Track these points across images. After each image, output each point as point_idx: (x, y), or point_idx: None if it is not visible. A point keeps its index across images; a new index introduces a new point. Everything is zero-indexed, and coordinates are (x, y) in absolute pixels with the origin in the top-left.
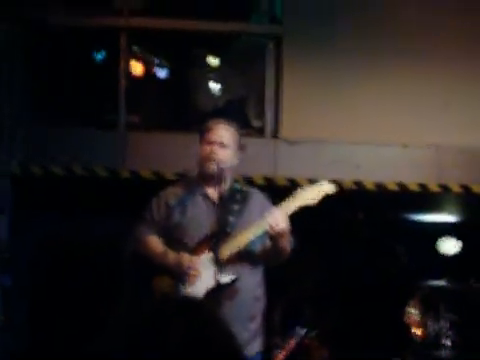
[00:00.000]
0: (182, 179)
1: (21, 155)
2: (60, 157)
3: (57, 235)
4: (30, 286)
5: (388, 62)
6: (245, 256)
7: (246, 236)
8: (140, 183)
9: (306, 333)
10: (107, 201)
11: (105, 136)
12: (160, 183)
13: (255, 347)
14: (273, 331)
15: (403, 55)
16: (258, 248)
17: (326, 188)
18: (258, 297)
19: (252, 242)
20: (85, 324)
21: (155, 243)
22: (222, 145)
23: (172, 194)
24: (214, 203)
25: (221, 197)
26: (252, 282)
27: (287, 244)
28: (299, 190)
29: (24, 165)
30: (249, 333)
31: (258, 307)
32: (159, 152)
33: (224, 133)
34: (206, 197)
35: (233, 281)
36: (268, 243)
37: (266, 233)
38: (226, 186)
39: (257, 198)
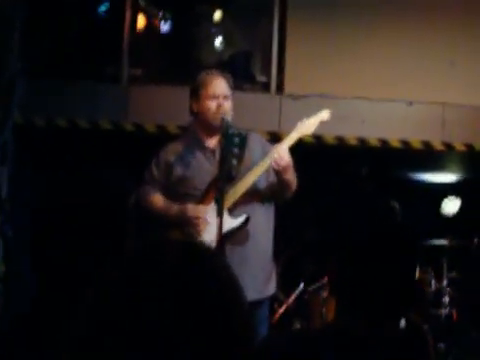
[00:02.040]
0: (179, 135)
1: (23, 107)
2: (63, 110)
3: (59, 187)
4: (32, 238)
5: (395, 17)
6: (254, 195)
7: (251, 177)
8: (143, 136)
9: (306, 288)
10: (110, 154)
11: (108, 89)
12: (163, 136)
13: (271, 289)
14: None
15: (410, 11)
16: (264, 184)
17: (322, 115)
18: (271, 235)
19: (258, 180)
20: (87, 275)
21: (158, 199)
22: (225, 97)
23: (170, 151)
24: (214, 151)
25: (220, 144)
26: (266, 220)
27: (292, 177)
28: (298, 123)
29: (27, 117)
30: (265, 274)
31: (271, 245)
32: (162, 105)
33: (224, 84)
34: (206, 147)
35: (244, 223)
36: (274, 178)
37: (271, 169)
38: (220, 133)
39: (254, 138)
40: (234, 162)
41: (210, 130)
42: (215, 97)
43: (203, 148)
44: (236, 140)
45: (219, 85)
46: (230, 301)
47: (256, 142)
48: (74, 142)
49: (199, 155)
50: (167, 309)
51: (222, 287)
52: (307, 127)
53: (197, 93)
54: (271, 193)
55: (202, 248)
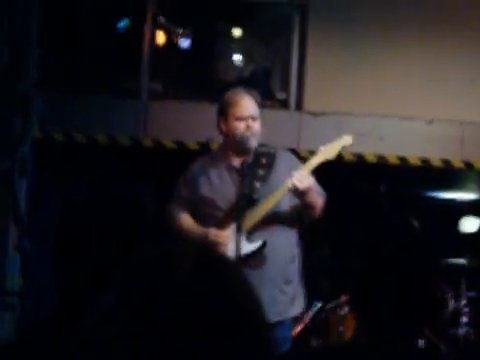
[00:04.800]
0: (206, 153)
1: (41, 122)
2: (81, 124)
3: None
4: (51, 251)
5: (415, 35)
6: (274, 219)
7: (271, 201)
8: (162, 152)
9: (322, 306)
10: (129, 169)
11: (127, 105)
12: (182, 152)
13: (294, 310)
14: None
15: (430, 29)
16: (286, 207)
17: (343, 141)
18: (294, 258)
19: (278, 205)
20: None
21: (184, 219)
22: (253, 119)
23: (198, 168)
24: (239, 172)
25: (246, 165)
26: (286, 244)
27: (315, 198)
28: (321, 148)
29: (45, 131)
30: (286, 296)
31: (294, 268)
32: (181, 121)
33: (252, 105)
34: (231, 168)
35: (261, 248)
36: (297, 201)
37: (292, 193)
38: (251, 153)
39: (283, 158)
40: (257, 185)
41: (239, 151)
42: (243, 118)
43: (230, 168)
44: (263, 160)
45: (247, 106)
46: (243, 311)
47: (285, 162)
48: (93, 157)
49: (225, 175)
50: (180, 317)
51: (235, 296)
52: (329, 152)
53: (225, 113)
54: (296, 214)
55: (217, 255)
